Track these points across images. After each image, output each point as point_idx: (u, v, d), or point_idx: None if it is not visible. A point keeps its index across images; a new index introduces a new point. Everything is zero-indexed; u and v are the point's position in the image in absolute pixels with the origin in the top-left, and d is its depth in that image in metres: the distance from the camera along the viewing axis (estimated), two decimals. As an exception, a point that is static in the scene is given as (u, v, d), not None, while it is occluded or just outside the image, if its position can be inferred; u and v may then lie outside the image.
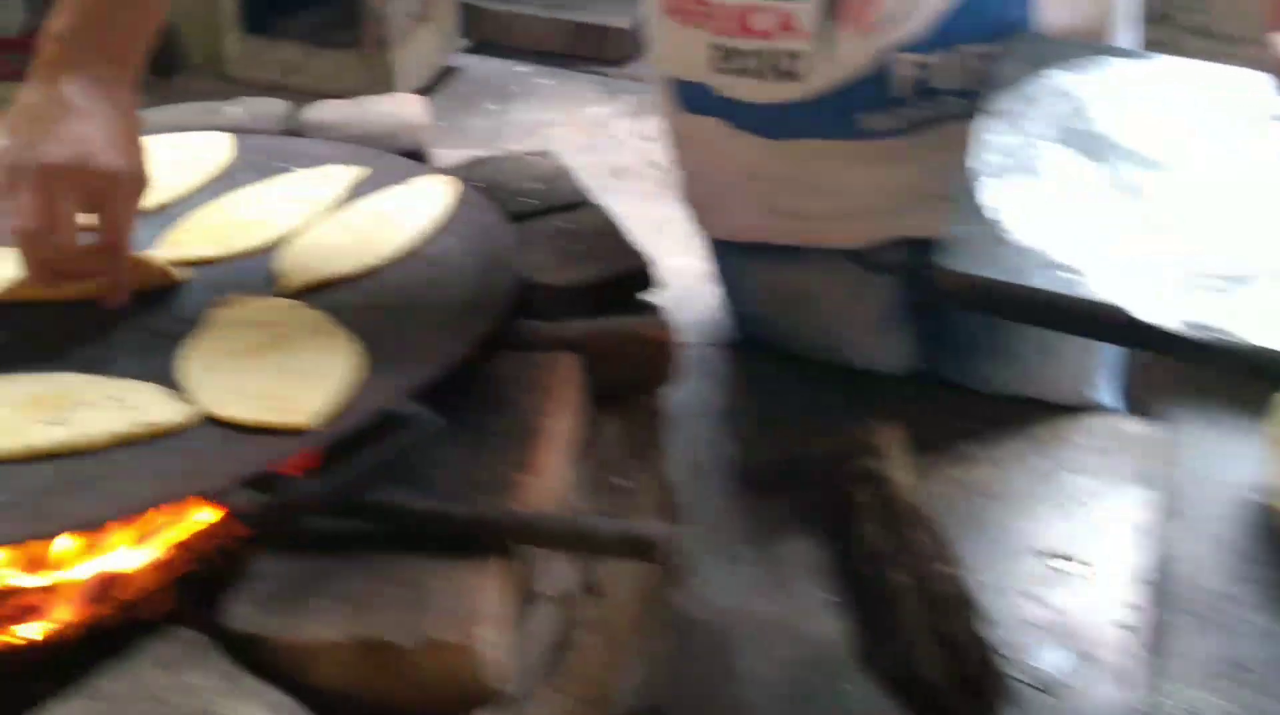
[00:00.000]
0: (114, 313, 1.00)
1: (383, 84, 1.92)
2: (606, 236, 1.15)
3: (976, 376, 1.36)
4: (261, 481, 0.78)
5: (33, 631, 0.93)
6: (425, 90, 2.04)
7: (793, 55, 1.14)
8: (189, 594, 0.95)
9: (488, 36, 2.25)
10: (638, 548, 0.75)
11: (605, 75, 2.19)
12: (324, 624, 0.73)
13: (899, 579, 1.09)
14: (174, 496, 0.77)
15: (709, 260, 1.46)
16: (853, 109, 1.17)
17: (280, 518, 0.75)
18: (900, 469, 1.19)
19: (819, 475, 1.25)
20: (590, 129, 1.98)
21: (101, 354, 0.95)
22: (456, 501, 0.80)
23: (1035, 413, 1.34)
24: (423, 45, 1.99)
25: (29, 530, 0.75)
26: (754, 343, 1.47)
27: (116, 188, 0.94)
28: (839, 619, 1.11)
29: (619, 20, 2.24)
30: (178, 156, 1.25)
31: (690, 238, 1.45)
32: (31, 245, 0.93)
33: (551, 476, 0.85)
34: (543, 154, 1.30)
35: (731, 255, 1.41)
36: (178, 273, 1.03)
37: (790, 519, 1.24)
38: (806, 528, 1.22)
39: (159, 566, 0.95)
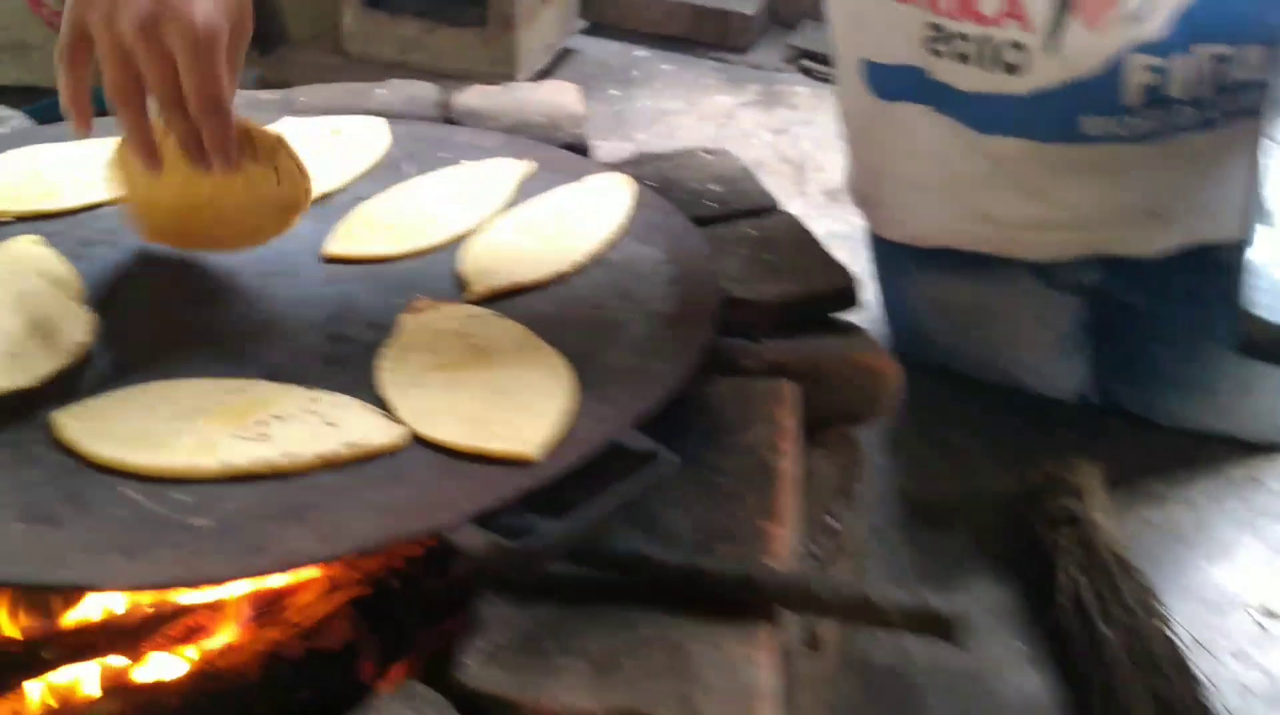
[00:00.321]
0: (291, 311, 0.93)
1: (504, 65, 1.84)
2: (802, 247, 1.07)
3: (1161, 409, 1.28)
4: (488, 518, 0.71)
5: (202, 650, 0.88)
6: (545, 73, 1.97)
7: (1017, 46, 1.06)
8: (366, 619, 0.89)
9: (605, 18, 2.16)
10: (934, 625, 0.67)
11: (727, 63, 2.10)
12: (575, 688, 0.66)
13: (1108, 634, 1.01)
14: (404, 533, 0.70)
15: (874, 265, 1.38)
16: (1075, 111, 1.08)
17: (523, 564, 0.68)
18: (1100, 510, 1.11)
19: (1003, 511, 1.17)
20: (717, 120, 1.90)
21: (286, 359, 0.88)
22: (707, 554, 0.72)
23: (1228, 451, 1.25)
24: (545, 26, 1.91)
25: (248, 565, 0.68)
26: (915, 359, 1.39)
27: (213, 35, 0.80)
28: (1038, 673, 1.03)
29: (742, 5, 2.15)
30: (337, 143, 1.18)
31: (835, 238, 1.37)
32: (123, 107, 0.84)
33: (792, 525, 0.77)
34: (720, 152, 1.22)
35: (903, 261, 1.33)
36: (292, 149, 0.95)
37: (970, 557, 1.16)
38: (989, 568, 1.14)
39: (330, 588, 0.89)
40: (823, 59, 2.03)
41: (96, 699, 0.81)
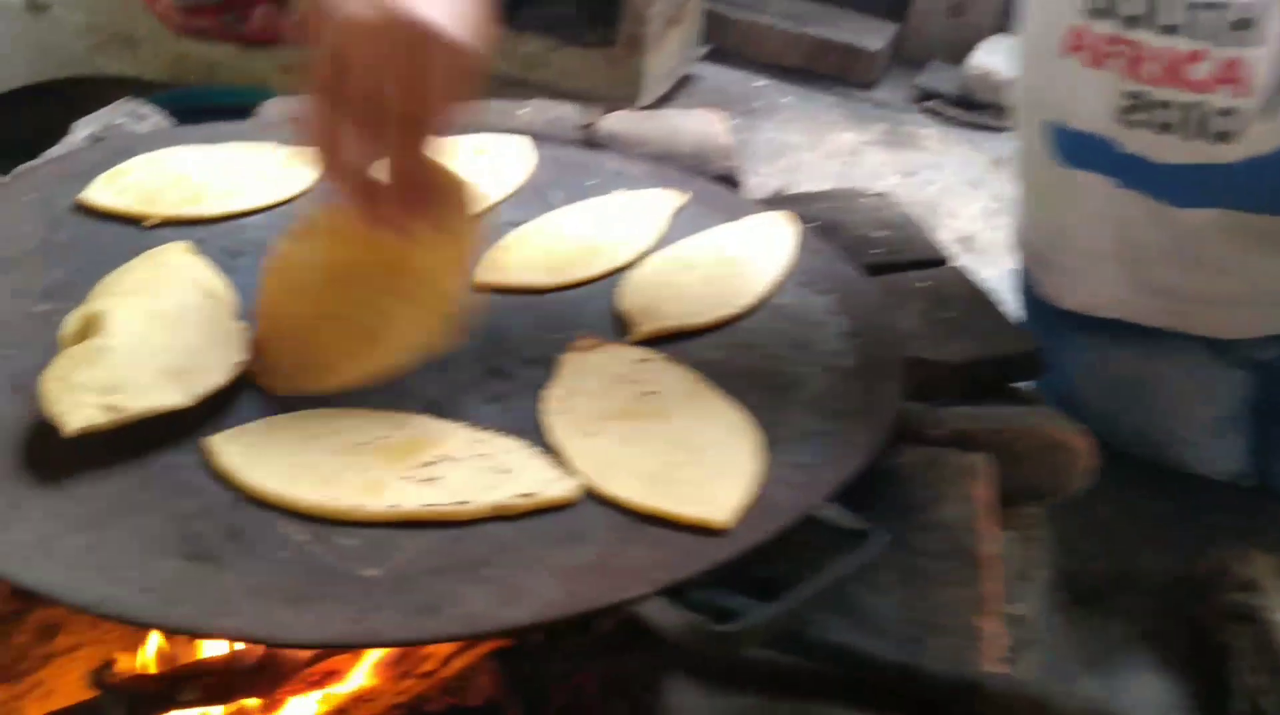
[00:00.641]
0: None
1: (628, 88, 1.80)
2: (978, 305, 1.00)
3: (1330, 496, 1.19)
4: (677, 591, 0.65)
5: (337, 698, 0.83)
6: (666, 98, 1.92)
7: (1227, 113, 0.99)
8: (508, 673, 0.83)
9: (725, 45, 2.11)
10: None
11: (850, 98, 2.05)
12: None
13: (1293, 751, 0.93)
14: (591, 604, 0.64)
15: (1028, 326, 1.31)
16: (1287, 179, 1.01)
17: (725, 648, 0.62)
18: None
19: (1164, 600, 1.09)
20: (841, 158, 1.83)
21: (444, 392, 0.83)
22: (916, 648, 0.66)
23: (1407, 548, 1.16)
24: (670, 50, 1.86)
25: (423, 627, 0.62)
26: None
27: (443, 54, 0.69)
28: (1214, 783, 0.95)
29: (867, 41, 2.09)
30: (481, 163, 1.13)
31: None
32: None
33: (1002, 619, 0.71)
34: (881, 195, 1.16)
35: (1063, 326, 1.26)
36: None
37: (1130, 648, 1.08)
38: (1152, 662, 1.06)
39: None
40: (952, 101, 1.96)
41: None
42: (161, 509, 0.70)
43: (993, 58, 1.99)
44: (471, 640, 0.65)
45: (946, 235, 1.61)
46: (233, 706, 0.84)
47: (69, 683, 0.97)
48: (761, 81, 2.08)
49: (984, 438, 0.85)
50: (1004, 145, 1.92)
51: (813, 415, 0.81)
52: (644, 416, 0.79)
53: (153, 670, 0.77)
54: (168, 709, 0.76)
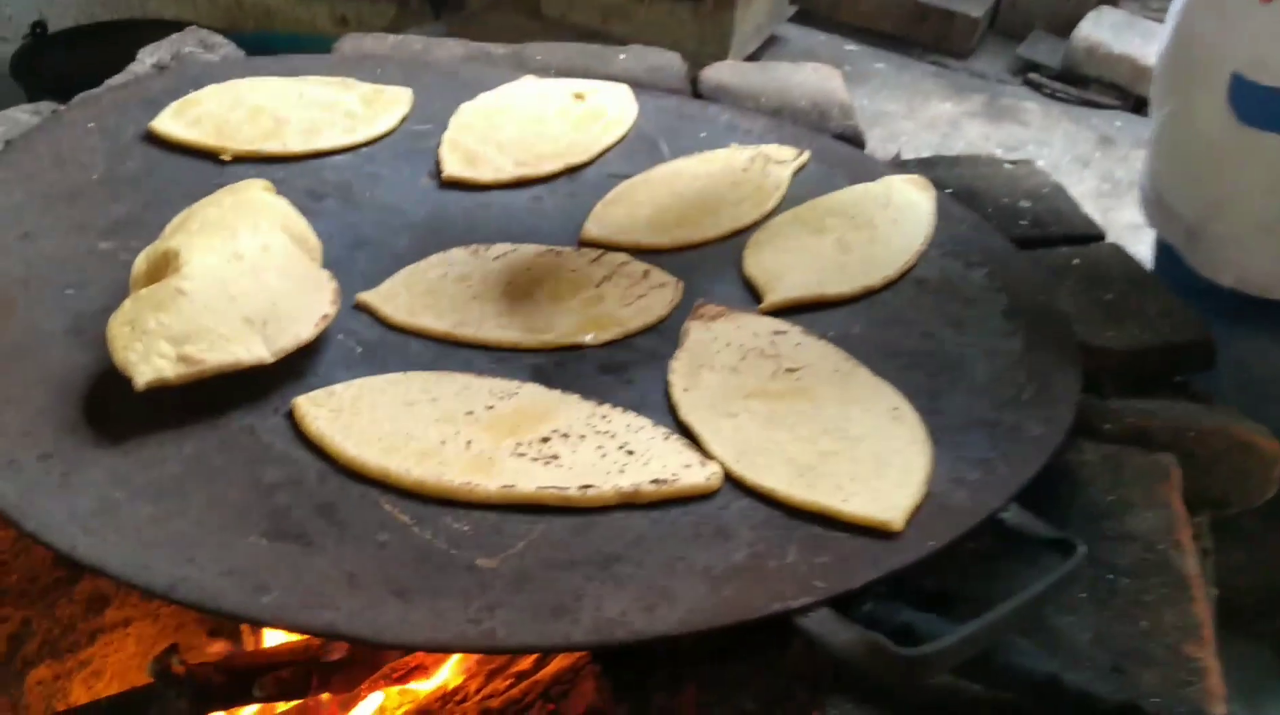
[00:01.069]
0: (540, 290, 0.78)
1: (715, 45, 1.69)
2: (1141, 286, 0.89)
3: None
4: (844, 603, 0.55)
5: (422, 696, 0.74)
6: (752, 58, 1.81)
7: None
8: (617, 684, 0.74)
9: (815, 6, 2.00)
10: None
11: (946, 68, 1.93)
12: None
13: None
14: (748, 614, 0.54)
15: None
16: None
17: (910, 674, 0.52)
18: None
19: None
20: (940, 129, 1.72)
21: (553, 359, 0.73)
22: (1121, 679, 0.56)
23: None
24: (759, 8, 1.75)
25: (556, 633, 0.52)
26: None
27: None
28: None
29: (968, 7, 1.96)
30: (582, 110, 1.03)
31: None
32: None
33: (1214, 647, 0.60)
34: (1024, 163, 1.05)
35: (1207, 312, 1.14)
36: None
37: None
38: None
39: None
40: (1055, 74, 1.84)
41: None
42: (241, 477, 0.60)
43: (1100, 30, 1.86)
44: (608, 650, 0.55)
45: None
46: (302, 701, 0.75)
47: (119, 661, 0.88)
48: (852, 46, 1.96)
49: (1165, 436, 0.74)
50: (1112, 123, 1.80)
51: (980, 403, 0.70)
52: (786, 396, 0.69)
53: (219, 659, 0.67)
54: (235, 705, 0.67)
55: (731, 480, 0.63)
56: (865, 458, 0.64)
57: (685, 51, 1.68)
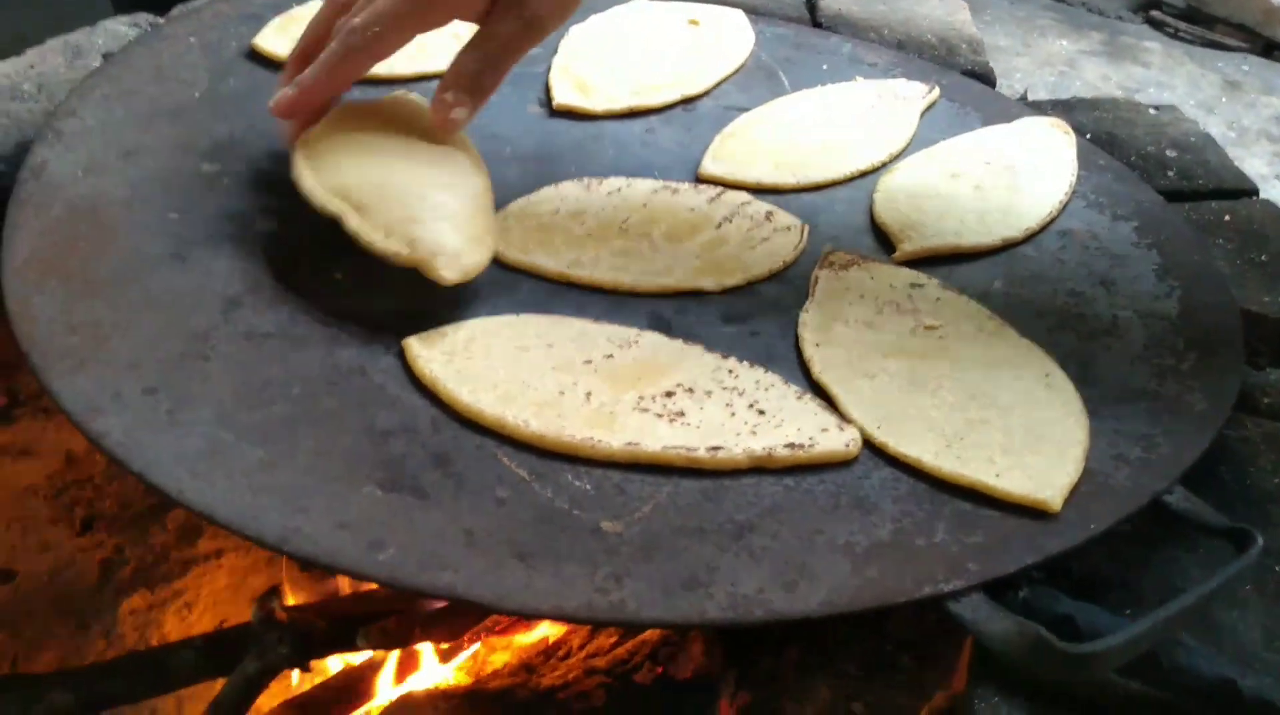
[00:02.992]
0: (656, 230, 0.73)
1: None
2: (1302, 250, 0.83)
3: None
4: (997, 588, 0.51)
5: (523, 647, 0.71)
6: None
7: None
8: (727, 648, 0.71)
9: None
10: None
11: (1064, 1, 1.83)
12: None
13: None
14: (894, 593, 0.50)
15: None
16: None
17: (1075, 671, 0.48)
18: None
19: None
20: (1056, 66, 1.63)
21: (673, 307, 0.69)
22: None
23: None
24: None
25: (688, 607, 0.49)
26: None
27: None
28: None
29: (1088, -62, 1.86)
30: (696, 36, 0.97)
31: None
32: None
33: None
34: (1169, 109, 0.98)
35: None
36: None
37: None
38: None
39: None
40: (1179, 13, 1.73)
41: (419, 698, 0.64)
42: (353, 422, 0.57)
43: (1231, -34, 1.75)
44: (744, 628, 0.51)
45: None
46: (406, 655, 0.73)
47: (212, 593, 0.87)
48: (965, -22, 1.86)
49: (1337, 416, 0.68)
50: (1239, 67, 1.70)
51: (1138, 372, 0.65)
52: (928, 356, 0.64)
53: (322, 606, 0.65)
54: (336, 651, 0.65)
55: (871, 447, 0.59)
56: (1017, 428, 0.59)
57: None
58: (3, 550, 0.83)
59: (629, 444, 0.57)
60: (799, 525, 0.54)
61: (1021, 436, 0.58)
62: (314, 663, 0.68)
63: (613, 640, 0.71)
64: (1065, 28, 1.74)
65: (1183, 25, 1.72)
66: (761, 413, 0.59)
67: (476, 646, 0.72)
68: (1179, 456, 0.58)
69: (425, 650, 0.73)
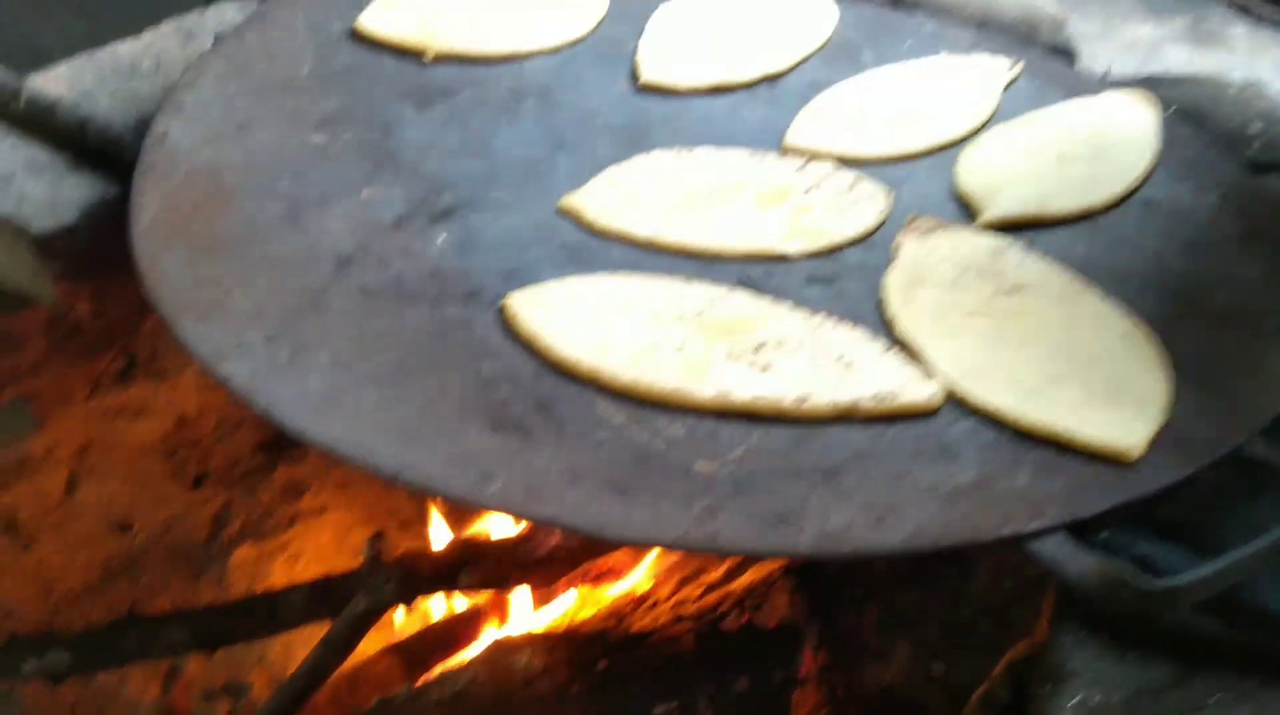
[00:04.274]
0: (744, 197, 0.76)
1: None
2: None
3: None
4: (1080, 531, 0.53)
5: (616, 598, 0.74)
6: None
7: None
8: (810, 597, 0.73)
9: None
10: None
11: (1148, -14, 1.81)
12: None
13: None
14: (981, 535, 0.52)
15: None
16: None
17: (1153, 608, 0.49)
18: None
19: None
20: (1137, 53, 1.62)
21: (761, 268, 0.71)
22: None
23: None
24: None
25: (781, 540, 0.51)
26: None
27: None
28: None
29: (1174, -79, 1.84)
30: (778, 14, 0.99)
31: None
32: None
33: None
34: (1255, 84, 0.98)
35: None
36: None
37: None
38: None
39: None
40: (1268, -5, 1.71)
41: (516, 642, 0.67)
42: (460, 369, 0.61)
43: (1322, -52, 1.72)
44: (834, 561, 0.53)
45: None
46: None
47: (316, 546, 0.91)
48: (1043, -38, 1.86)
49: None
50: (1329, 49, 1.67)
51: (1221, 333, 0.66)
52: (1011, 316, 0.66)
53: (428, 549, 0.68)
54: (439, 590, 0.68)
55: (954, 400, 0.61)
56: (1099, 382, 0.60)
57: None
58: (120, 504, 0.88)
59: (719, 394, 0.59)
60: (886, 469, 0.56)
61: (1103, 389, 0.60)
62: (416, 607, 0.72)
63: (700, 590, 0.74)
64: (1147, 13, 1.72)
65: (1267, 9, 1.69)
66: (848, 365, 0.62)
67: (570, 596, 0.75)
68: (1261, 410, 0.59)
69: (521, 601, 0.76)
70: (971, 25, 1.04)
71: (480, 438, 0.56)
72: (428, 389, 0.59)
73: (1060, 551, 0.51)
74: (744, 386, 0.60)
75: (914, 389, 0.60)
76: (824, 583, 0.75)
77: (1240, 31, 1.73)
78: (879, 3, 1.08)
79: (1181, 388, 0.61)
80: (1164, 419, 0.59)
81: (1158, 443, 0.58)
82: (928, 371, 0.62)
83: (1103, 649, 0.53)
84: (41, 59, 0.89)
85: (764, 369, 0.61)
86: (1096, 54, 1.62)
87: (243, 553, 0.89)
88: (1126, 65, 1.60)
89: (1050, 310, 0.66)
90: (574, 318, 0.64)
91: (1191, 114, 0.93)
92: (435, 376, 0.60)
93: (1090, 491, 0.55)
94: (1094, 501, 0.54)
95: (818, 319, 0.66)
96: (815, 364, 0.62)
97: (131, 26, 0.96)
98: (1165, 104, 0.93)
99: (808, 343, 0.63)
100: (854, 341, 0.64)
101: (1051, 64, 0.97)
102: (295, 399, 0.57)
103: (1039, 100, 0.91)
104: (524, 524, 0.72)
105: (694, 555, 0.68)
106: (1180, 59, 1.64)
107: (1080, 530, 0.53)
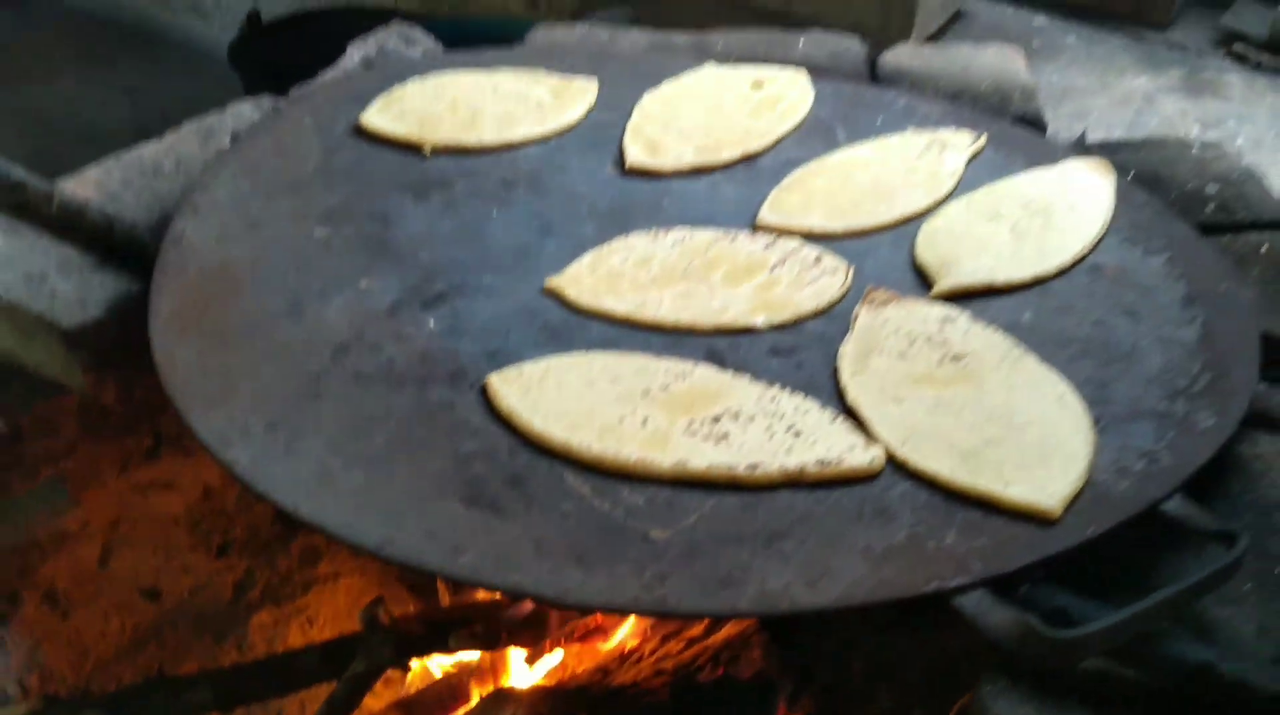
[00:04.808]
0: (715, 274, 0.81)
1: (899, 23, 1.68)
2: (1333, 277, 0.87)
3: None
4: (1002, 586, 0.57)
5: (601, 653, 0.79)
6: (936, 35, 1.79)
7: None
8: (783, 651, 0.77)
9: (1004, -21, 1.96)
10: None
11: (1142, 40, 1.86)
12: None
13: None
14: (906, 591, 0.57)
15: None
16: None
17: (1062, 657, 0.54)
18: None
19: None
20: (1134, 104, 1.67)
21: (726, 341, 0.77)
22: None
23: None
24: (946, -17, 1.73)
25: (722, 601, 0.57)
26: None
27: None
28: None
29: (1165, -25, 1.89)
30: (760, 98, 1.06)
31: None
32: None
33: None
34: (1214, 146, 1.02)
35: None
36: None
37: None
38: None
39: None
40: (1262, 44, 1.76)
41: (506, 695, 0.73)
42: (441, 449, 0.67)
43: (1314, -5, 1.77)
44: (772, 618, 0.59)
45: (1254, 195, 1.43)
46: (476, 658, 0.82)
47: (330, 610, 0.97)
48: (1042, 19, 1.91)
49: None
50: (1322, 94, 1.71)
51: (1151, 393, 0.70)
52: (953, 383, 0.71)
53: (420, 611, 0.74)
54: (433, 652, 0.74)
55: (895, 463, 0.66)
56: (1029, 445, 0.65)
57: (869, 29, 1.69)
58: (149, 572, 0.94)
59: (677, 463, 0.65)
60: (825, 531, 0.61)
61: (1032, 452, 0.65)
62: (416, 666, 0.77)
63: (681, 645, 0.79)
64: (1144, 65, 1.77)
65: (1265, 57, 1.74)
66: (797, 434, 0.67)
67: (559, 654, 0.81)
68: (1180, 469, 0.64)
69: (516, 658, 0.81)
70: (945, 98, 1.10)
71: (455, 513, 0.62)
72: (411, 469, 0.65)
73: (981, 605, 0.56)
74: (700, 456, 0.65)
75: (857, 455, 0.65)
76: (802, 637, 0.80)
77: (1236, 79, 1.77)
78: (856, 80, 1.14)
79: (1108, 447, 0.66)
80: (1085, 479, 0.63)
81: (1078, 502, 0.62)
82: (871, 438, 0.67)
83: (1024, 698, 0.57)
84: (97, 140, 0.97)
85: (720, 440, 0.66)
86: (1092, 108, 1.67)
87: (262, 616, 0.95)
88: (1122, 117, 1.65)
89: (990, 376, 0.71)
90: (549, 396, 0.70)
91: (1150, 178, 0.98)
92: (418, 457, 0.66)
93: (1012, 548, 0.59)
94: (1015, 558, 0.59)
95: (774, 390, 0.71)
96: (768, 433, 0.67)
97: (160, 123, 1.04)
98: (1124, 169, 0.98)
99: (762, 414, 0.68)
100: (805, 411, 0.69)
101: (1018, 133, 1.02)
102: (290, 482, 0.63)
103: (1003, 170, 0.96)
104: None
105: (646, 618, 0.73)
106: (1174, 109, 1.69)
107: (1002, 585, 0.57)
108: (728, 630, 0.78)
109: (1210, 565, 0.56)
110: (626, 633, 0.80)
